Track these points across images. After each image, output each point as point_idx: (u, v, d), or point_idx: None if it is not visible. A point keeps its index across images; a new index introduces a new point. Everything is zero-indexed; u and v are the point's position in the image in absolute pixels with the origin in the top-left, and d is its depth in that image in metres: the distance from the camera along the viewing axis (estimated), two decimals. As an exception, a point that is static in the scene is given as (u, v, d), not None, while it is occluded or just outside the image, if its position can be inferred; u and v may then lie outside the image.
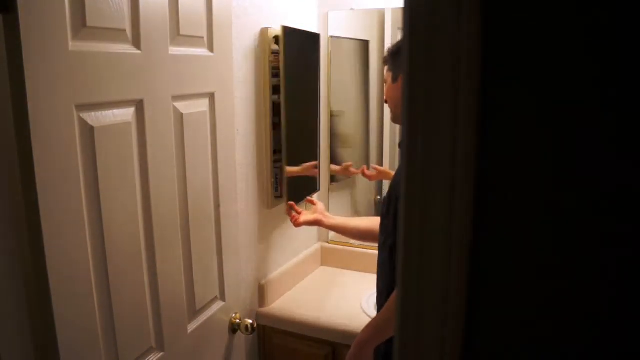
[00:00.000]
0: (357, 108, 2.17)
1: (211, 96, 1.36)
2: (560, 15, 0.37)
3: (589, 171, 0.37)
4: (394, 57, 1.37)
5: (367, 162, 2.11)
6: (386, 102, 1.44)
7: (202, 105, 1.33)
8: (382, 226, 1.39)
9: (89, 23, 0.96)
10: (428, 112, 0.39)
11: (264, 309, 1.86)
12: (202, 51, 1.31)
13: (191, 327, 1.34)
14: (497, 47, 0.38)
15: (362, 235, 1.72)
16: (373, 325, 1.29)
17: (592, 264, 0.38)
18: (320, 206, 1.81)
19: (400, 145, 1.36)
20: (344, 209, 2.26)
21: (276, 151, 1.84)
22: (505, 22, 0.38)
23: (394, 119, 1.44)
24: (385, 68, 1.42)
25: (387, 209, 1.33)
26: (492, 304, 0.42)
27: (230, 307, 1.52)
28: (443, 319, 0.41)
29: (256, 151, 1.77)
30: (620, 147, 0.36)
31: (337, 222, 1.75)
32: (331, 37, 2.07)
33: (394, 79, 1.35)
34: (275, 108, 1.79)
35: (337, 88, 2.12)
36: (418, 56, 0.39)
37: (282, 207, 1.97)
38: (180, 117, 1.24)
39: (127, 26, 1.05)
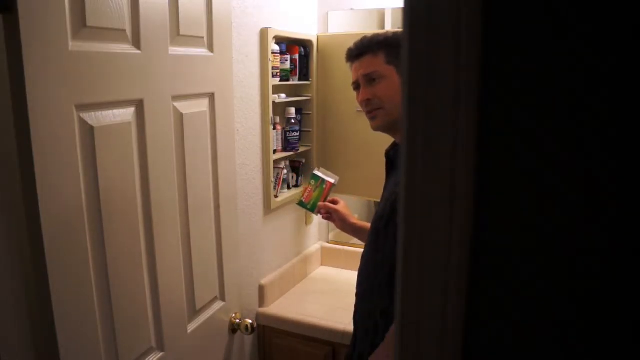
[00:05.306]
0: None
1: (211, 96, 1.36)
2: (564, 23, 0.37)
3: (592, 173, 0.37)
4: (398, 51, 1.16)
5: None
6: (366, 101, 1.22)
7: (202, 105, 1.33)
8: (378, 242, 1.24)
9: (89, 23, 0.96)
10: (429, 118, 0.39)
11: (264, 309, 1.86)
12: (202, 51, 1.31)
13: (191, 327, 1.34)
14: (498, 47, 0.38)
15: None
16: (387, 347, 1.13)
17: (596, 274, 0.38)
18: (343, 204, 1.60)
19: (386, 154, 1.29)
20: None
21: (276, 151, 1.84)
22: (506, 21, 0.38)
23: (389, 124, 1.22)
24: (371, 61, 1.21)
25: (385, 224, 1.20)
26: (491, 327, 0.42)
27: (230, 307, 1.52)
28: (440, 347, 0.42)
29: (256, 151, 1.77)
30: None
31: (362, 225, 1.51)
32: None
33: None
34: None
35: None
36: (418, 58, 0.39)
37: (282, 206, 1.97)
38: (180, 117, 1.24)
39: (127, 26, 1.05)
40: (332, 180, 1.64)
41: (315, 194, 1.64)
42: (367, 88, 1.22)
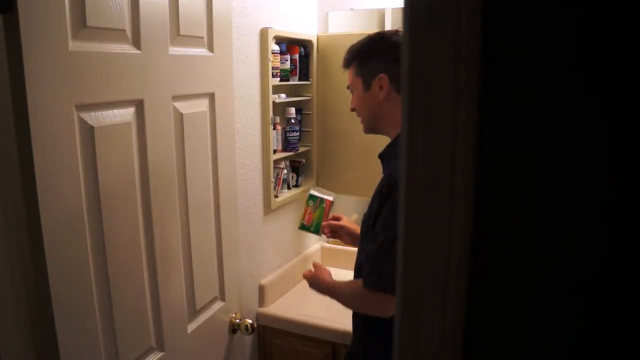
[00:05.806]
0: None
1: (211, 96, 1.36)
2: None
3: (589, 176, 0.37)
4: (363, 61, 1.23)
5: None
6: (351, 109, 1.30)
7: (202, 105, 1.33)
8: (364, 243, 1.26)
9: (89, 23, 0.95)
10: (429, 118, 0.39)
11: (264, 309, 1.86)
12: (202, 51, 1.31)
13: (191, 327, 1.34)
14: (498, 47, 0.38)
15: None
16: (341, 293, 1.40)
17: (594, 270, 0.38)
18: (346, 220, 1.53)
19: (380, 157, 1.31)
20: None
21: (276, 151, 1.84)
22: (506, 21, 0.38)
23: (369, 129, 1.29)
24: (350, 73, 1.27)
25: (370, 226, 1.20)
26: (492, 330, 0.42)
27: (230, 307, 1.52)
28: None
29: (256, 151, 1.77)
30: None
31: None
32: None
33: (367, 86, 1.22)
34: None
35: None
36: (418, 59, 0.39)
37: (282, 206, 1.97)
38: (180, 117, 1.23)
39: (127, 26, 1.05)
40: (330, 198, 1.62)
41: (316, 215, 1.61)
42: (351, 98, 1.30)
